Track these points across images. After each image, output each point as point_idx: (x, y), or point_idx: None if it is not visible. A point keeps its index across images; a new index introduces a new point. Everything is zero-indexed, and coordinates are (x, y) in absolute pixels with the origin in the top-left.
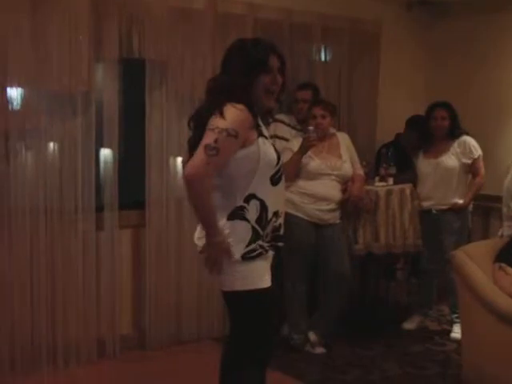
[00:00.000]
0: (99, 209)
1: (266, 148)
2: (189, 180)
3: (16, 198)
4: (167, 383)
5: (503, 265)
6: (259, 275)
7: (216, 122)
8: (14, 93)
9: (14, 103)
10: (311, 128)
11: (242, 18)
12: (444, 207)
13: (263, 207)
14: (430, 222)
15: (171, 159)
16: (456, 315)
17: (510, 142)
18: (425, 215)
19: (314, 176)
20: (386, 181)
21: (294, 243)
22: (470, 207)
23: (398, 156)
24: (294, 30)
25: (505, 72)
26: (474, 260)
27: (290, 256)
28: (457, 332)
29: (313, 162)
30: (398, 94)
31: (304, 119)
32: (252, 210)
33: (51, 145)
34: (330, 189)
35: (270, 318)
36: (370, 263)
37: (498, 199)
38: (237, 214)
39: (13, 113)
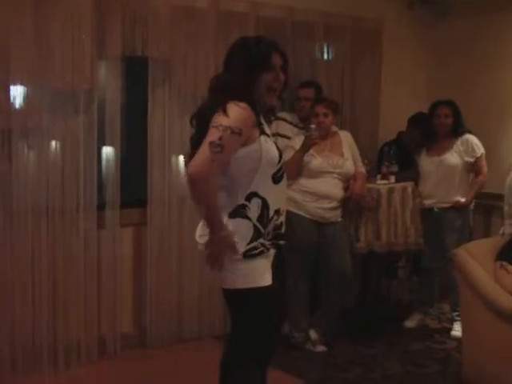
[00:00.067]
0: (101, 207)
1: (267, 146)
2: (193, 177)
3: (18, 196)
4: (168, 381)
5: (504, 263)
6: (260, 273)
7: (220, 120)
8: (17, 91)
9: (17, 101)
10: (313, 126)
11: (245, 16)
12: (446, 205)
13: (265, 205)
14: (432, 220)
15: (173, 157)
16: (457, 313)
17: None
18: (427, 213)
19: (316, 174)
20: (387, 179)
21: (295, 241)
22: (472, 205)
23: (400, 154)
24: (296, 28)
25: (507, 71)
26: (475, 258)
27: (292, 254)
28: (457, 330)
29: (315, 160)
30: (400, 92)
31: (306, 117)
32: (253, 208)
33: (53, 143)
34: (332, 187)
35: (270, 317)
36: (372, 261)
37: (500, 197)
38: (238, 212)
39: (15, 111)
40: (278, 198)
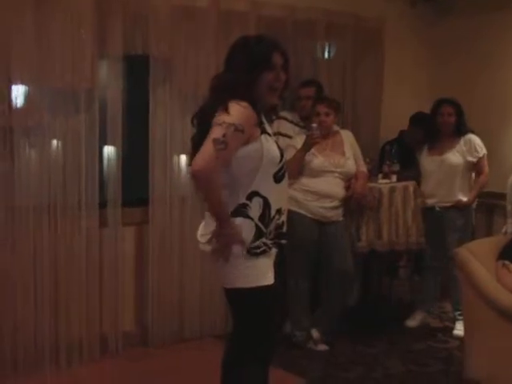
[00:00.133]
0: (102, 206)
1: (269, 145)
2: (197, 174)
3: (20, 194)
4: (169, 380)
5: (506, 262)
6: (262, 272)
7: (223, 118)
8: (18, 90)
9: (18, 100)
10: (314, 125)
11: (245, 16)
12: (447, 204)
13: (266, 204)
14: (434, 219)
15: (175, 156)
16: (459, 312)
17: None
18: (428, 212)
19: (318, 173)
20: (389, 178)
21: (296, 240)
22: (474, 204)
23: (402, 153)
24: (297, 27)
25: (509, 70)
26: (477, 257)
27: (293, 253)
28: (459, 329)
29: (316, 159)
30: (401, 91)
31: (307, 116)
32: (255, 208)
33: (55, 142)
34: (334, 186)
35: (272, 316)
36: (373, 261)
37: (502, 196)
38: (239, 212)
39: (16, 110)
40: (280, 197)
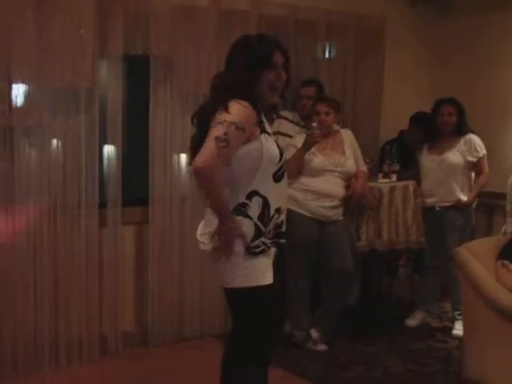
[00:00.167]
0: (102, 205)
1: (268, 145)
2: (200, 172)
3: (20, 194)
4: (169, 380)
5: (506, 262)
6: (261, 272)
7: (224, 116)
8: (18, 89)
9: (18, 100)
10: (315, 124)
11: (246, 15)
12: (447, 204)
13: (265, 204)
14: (434, 218)
15: (175, 156)
16: (458, 312)
17: None
18: (428, 212)
19: (318, 173)
20: (389, 177)
21: (296, 240)
22: (474, 204)
23: (402, 153)
24: (298, 27)
25: (510, 69)
26: (477, 257)
27: (293, 253)
28: (459, 329)
29: (316, 158)
30: (402, 90)
31: (308, 116)
32: (254, 207)
33: (55, 141)
34: (334, 185)
35: (271, 315)
36: (373, 260)
37: (502, 196)
38: (239, 211)
39: (17, 109)
40: (279, 196)
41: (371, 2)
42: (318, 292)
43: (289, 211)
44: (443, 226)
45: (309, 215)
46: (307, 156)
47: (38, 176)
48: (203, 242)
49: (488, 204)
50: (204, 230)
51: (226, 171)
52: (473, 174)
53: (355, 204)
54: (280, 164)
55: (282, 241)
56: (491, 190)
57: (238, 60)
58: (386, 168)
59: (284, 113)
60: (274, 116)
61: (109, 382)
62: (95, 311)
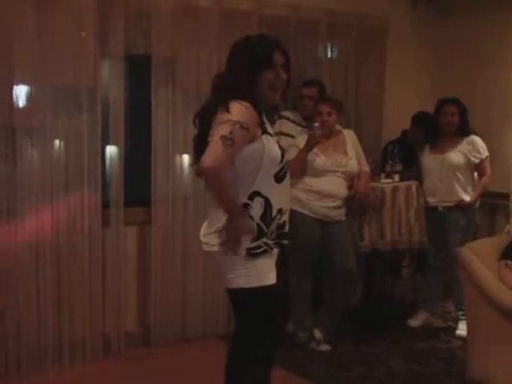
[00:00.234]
0: (105, 206)
1: (270, 145)
2: (207, 171)
3: (22, 194)
4: (172, 380)
5: (509, 262)
6: (264, 272)
7: (227, 116)
8: (20, 90)
9: (20, 100)
10: (317, 125)
11: (248, 15)
12: (450, 204)
13: (267, 204)
14: (436, 218)
15: (177, 156)
16: (461, 312)
17: None
18: (431, 212)
19: (320, 173)
20: (391, 178)
21: (299, 240)
22: (477, 204)
23: (404, 153)
24: (300, 27)
25: (510, 70)
26: (479, 257)
27: (295, 253)
28: (462, 329)
29: (319, 158)
30: (404, 90)
31: (309, 116)
32: (256, 207)
33: (57, 141)
34: (336, 186)
35: (273, 316)
36: (376, 260)
37: (505, 196)
38: None
39: (18, 110)
40: (281, 197)
41: (373, 2)
42: (320, 292)
43: (291, 211)
44: (446, 226)
45: (311, 215)
46: (310, 156)
47: (41, 176)
48: (206, 243)
49: (491, 204)
50: (207, 230)
51: (229, 171)
52: (476, 175)
53: (358, 204)
54: (281, 165)
55: (285, 242)
56: (494, 191)
57: (239, 60)
58: (388, 168)
59: (285, 113)
60: (276, 117)
61: (112, 382)
62: (98, 311)
